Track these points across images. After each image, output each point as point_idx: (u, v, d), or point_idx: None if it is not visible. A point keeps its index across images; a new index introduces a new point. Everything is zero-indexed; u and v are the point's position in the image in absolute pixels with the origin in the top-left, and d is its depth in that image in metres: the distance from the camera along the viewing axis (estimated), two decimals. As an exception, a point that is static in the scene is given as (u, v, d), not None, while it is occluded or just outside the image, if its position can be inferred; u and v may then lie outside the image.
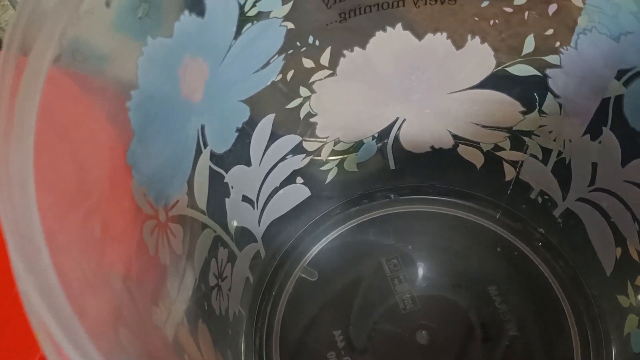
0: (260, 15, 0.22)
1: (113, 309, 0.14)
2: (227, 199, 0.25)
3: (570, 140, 0.26)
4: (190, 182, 0.22)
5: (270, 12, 0.22)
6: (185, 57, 0.20)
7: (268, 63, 0.23)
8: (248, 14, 0.21)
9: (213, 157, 0.23)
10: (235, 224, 0.26)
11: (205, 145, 0.22)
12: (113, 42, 0.19)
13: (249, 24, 0.21)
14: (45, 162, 0.14)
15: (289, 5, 0.22)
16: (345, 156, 0.29)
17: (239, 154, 0.24)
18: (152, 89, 0.19)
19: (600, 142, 0.25)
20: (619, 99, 0.23)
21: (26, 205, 0.12)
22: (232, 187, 0.25)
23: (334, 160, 0.29)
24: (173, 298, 0.20)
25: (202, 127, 0.22)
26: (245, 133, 0.24)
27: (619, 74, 0.22)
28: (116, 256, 0.16)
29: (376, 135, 0.29)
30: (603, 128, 0.24)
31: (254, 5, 0.21)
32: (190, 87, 0.20)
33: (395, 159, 0.30)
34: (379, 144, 0.29)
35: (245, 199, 0.26)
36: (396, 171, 0.31)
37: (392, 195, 0.32)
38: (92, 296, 0.13)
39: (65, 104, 0.18)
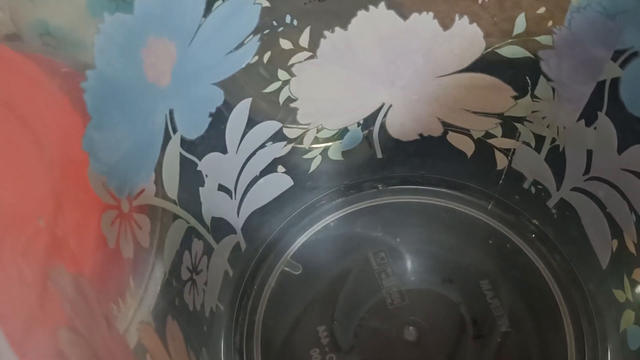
0: (231, -8, 0.20)
1: (54, 311, 0.13)
2: (201, 188, 0.23)
3: (564, 127, 0.25)
4: (158, 170, 0.20)
5: (242, -12, 0.20)
6: (149, 38, 0.18)
7: (242, 44, 0.22)
8: (218, -9, 0.20)
9: (184, 143, 0.22)
10: (211, 214, 0.24)
11: (175, 131, 0.21)
12: (84, 24, 0.18)
13: (220, 2, 0.20)
14: None
15: (263, -19, 0.21)
16: (329, 144, 0.28)
17: (213, 140, 0.23)
18: (111, 71, 0.17)
19: (595, 128, 0.23)
20: (615, 81, 0.21)
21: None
22: (206, 176, 0.23)
23: (317, 148, 0.28)
24: (139, 294, 0.19)
25: (171, 112, 0.20)
26: (219, 118, 0.23)
27: (616, 55, 0.21)
28: (67, 252, 0.14)
29: (361, 122, 0.28)
30: (598, 113, 0.23)
31: (224, -19, 0.20)
32: (156, 69, 0.19)
33: (382, 148, 0.29)
34: (365, 132, 0.28)
35: (221, 188, 0.25)
36: (383, 160, 0.29)
37: (379, 186, 0.31)
38: (24, 295, 0.11)
39: (18, 84, 0.16)
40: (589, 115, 0.23)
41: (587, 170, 0.25)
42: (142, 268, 0.19)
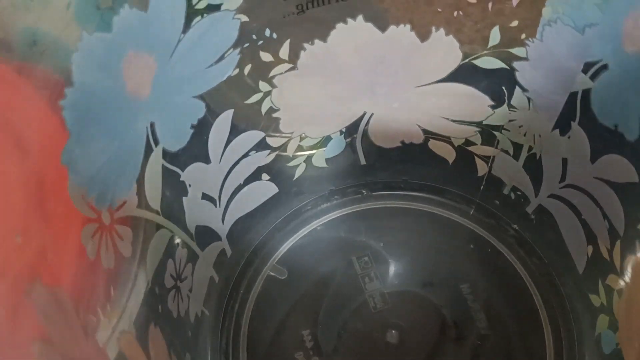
0: (210, 8, 0.21)
1: (30, 325, 0.13)
2: (184, 198, 0.24)
3: (540, 135, 0.25)
4: (140, 182, 0.21)
5: (221, 4, 0.21)
6: (128, 53, 0.19)
7: (222, 57, 0.22)
8: (197, 7, 0.20)
9: (166, 155, 0.22)
10: (195, 222, 0.25)
11: (157, 144, 0.21)
12: (72, 31, 0.18)
13: (199, 17, 0.21)
14: None
15: (242, -3, 0.21)
16: (312, 152, 0.29)
17: (196, 151, 0.24)
18: (90, 86, 0.18)
19: (569, 138, 0.24)
20: (586, 93, 0.22)
21: None
22: (189, 185, 0.24)
23: (301, 156, 0.28)
24: (121, 304, 0.19)
25: (152, 125, 0.21)
26: (201, 130, 0.23)
27: (586, 67, 0.21)
28: (45, 266, 0.15)
29: (344, 130, 0.28)
30: (572, 123, 0.23)
31: (202, -2, 0.20)
32: (135, 83, 0.20)
33: (366, 154, 0.29)
34: (348, 139, 0.29)
35: (205, 197, 0.25)
36: (367, 166, 0.30)
37: (363, 191, 0.31)
38: (10, 319, 0.12)
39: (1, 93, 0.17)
40: (563, 125, 0.24)
41: (563, 177, 0.25)
42: (124, 278, 0.20)
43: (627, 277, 0.22)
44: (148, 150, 0.21)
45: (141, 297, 0.21)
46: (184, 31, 0.20)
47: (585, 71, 0.21)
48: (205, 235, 0.26)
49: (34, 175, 0.17)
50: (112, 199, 0.19)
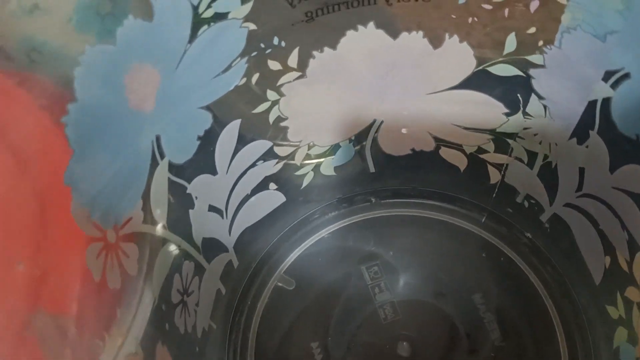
0: (217, 17, 0.20)
1: (34, 357, 0.12)
2: (191, 210, 0.23)
3: (556, 144, 0.24)
4: (145, 197, 0.20)
5: (228, 13, 0.20)
6: (132, 65, 0.18)
7: (230, 67, 0.22)
8: (203, 16, 0.20)
9: (172, 168, 0.21)
10: (201, 235, 0.24)
11: (163, 157, 0.21)
12: (71, 40, 0.17)
13: (205, 26, 0.20)
14: None
15: (249, 5, 0.20)
16: (321, 160, 0.28)
17: (202, 163, 0.23)
18: (93, 101, 0.17)
19: (587, 147, 0.23)
20: (606, 101, 0.21)
21: None
22: (196, 198, 0.23)
23: (309, 164, 0.28)
24: (126, 324, 0.19)
25: (158, 138, 0.20)
26: (208, 141, 0.23)
27: (606, 76, 0.21)
28: (48, 294, 0.14)
29: (353, 138, 0.27)
30: (590, 132, 0.22)
31: (209, 7, 0.19)
32: (138, 96, 0.19)
33: (375, 162, 0.29)
34: (357, 147, 0.28)
35: (212, 209, 0.25)
36: (376, 174, 0.29)
37: (372, 199, 0.31)
38: (10, 350, 0.11)
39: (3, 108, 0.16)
40: (580, 134, 0.23)
41: (580, 187, 0.25)
42: (129, 297, 0.19)
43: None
44: (154, 164, 0.20)
45: (147, 315, 0.20)
46: (190, 41, 0.20)
47: (606, 79, 0.21)
48: (211, 247, 0.25)
49: (35, 196, 0.16)
50: (118, 216, 0.19)
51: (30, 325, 0.13)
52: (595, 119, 0.22)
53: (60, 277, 0.15)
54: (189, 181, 0.23)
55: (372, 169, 0.29)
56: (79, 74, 0.16)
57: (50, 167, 0.17)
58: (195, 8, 0.19)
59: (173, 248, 0.22)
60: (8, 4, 0.16)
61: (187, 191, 0.23)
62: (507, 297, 0.28)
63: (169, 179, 0.21)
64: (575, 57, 0.21)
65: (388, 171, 0.29)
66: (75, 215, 0.17)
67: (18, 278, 0.13)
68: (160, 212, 0.21)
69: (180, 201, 0.23)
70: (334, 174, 0.29)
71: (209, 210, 0.24)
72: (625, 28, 0.19)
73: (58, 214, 0.16)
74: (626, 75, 0.20)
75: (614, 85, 0.21)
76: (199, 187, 0.23)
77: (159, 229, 0.21)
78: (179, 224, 0.23)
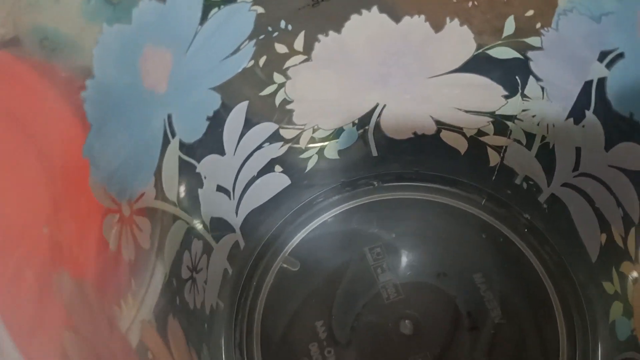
0: (226, 0, 0.21)
1: (57, 314, 0.13)
2: (200, 190, 0.24)
3: (553, 125, 0.25)
4: (158, 174, 0.21)
5: (237, -4, 0.21)
6: (145, 46, 0.19)
7: (238, 49, 0.22)
8: (213, -1, 0.20)
9: (183, 147, 0.22)
10: (210, 214, 0.25)
11: (174, 135, 0.22)
12: (80, 28, 0.18)
13: (216, 9, 0.21)
14: None
15: (257, -12, 0.21)
16: (325, 143, 0.29)
17: (211, 143, 0.24)
18: (109, 80, 0.18)
19: (583, 126, 0.24)
20: (601, 81, 0.22)
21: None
22: (204, 177, 0.24)
23: (313, 147, 0.28)
24: (140, 295, 0.19)
25: (169, 117, 0.21)
26: (217, 121, 0.23)
27: (601, 56, 0.21)
28: (70, 258, 0.15)
29: (356, 121, 0.28)
30: (586, 112, 0.23)
31: (219, -11, 0.20)
32: (153, 77, 0.20)
33: (377, 146, 0.29)
34: (360, 131, 0.29)
35: (220, 189, 0.25)
36: (379, 158, 0.30)
37: (375, 183, 0.31)
38: (29, 300, 0.12)
39: (19, 92, 0.17)
40: (577, 114, 0.24)
41: (576, 166, 0.25)
42: (143, 269, 0.20)
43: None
44: (165, 142, 0.21)
45: (159, 288, 0.21)
46: (201, 23, 0.20)
47: (600, 60, 0.21)
48: (219, 227, 0.26)
49: (56, 169, 0.17)
50: (132, 191, 0.19)
51: (55, 285, 0.14)
52: (591, 99, 0.23)
53: (80, 244, 0.16)
54: (199, 160, 0.23)
55: (374, 153, 0.30)
56: (96, 51, 0.17)
57: (69, 143, 0.17)
58: (205, -9, 0.20)
59: (183, 225, 0.23)
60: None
61: (197, 170, 0.23)
62: (506, 276, 0.29)
63: (179, 157, 0.22)
64: (571, 38, 0.22)
65: (390, 155, 0.30)
66: (93, 187, 0.17)
67: (44, 240, 0.14)
68: (171, 190, 0.22)
69: (190, 180, 0.23)
70: (338, 157, 0.29)
71: (217, 190, 0.25)
72: (620, 9, 0.20)
73: (78, 185, 0.17)
74: (620, 55, 0.21)
75: (608, 65, 0.21)
76: (208, 166, 0.24)
77: (170, 205, 0.22)
78: (189, 202, 0.23)
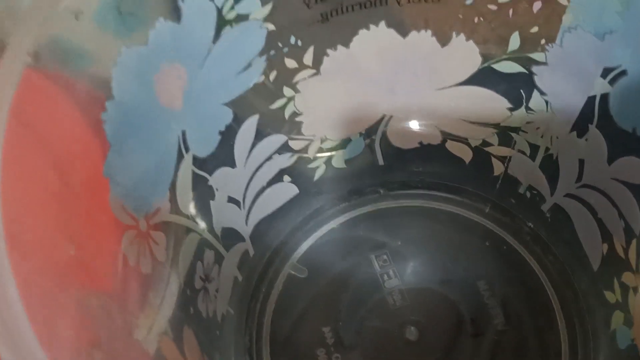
0: (239, 18, 0.21)
1: (88, 334, 0.14)
2: (211, 202, 0.25)
3: (557, 137, 0.26)
4: (172, 189, 0.22)
5: (249, 14, 0.21)
6: (162, 64, 0.20)
7: (249, 65, 0.23)
8: (226, 17, 0.21)
9: (196, 161, 0.23)
10: (221, 225, 0.26)
11: (187, 150, 0.22)
12: (95, 39, 0.18)
13: (228, 27, 0.21)
14: (17, 165, 0.14)
15: (269, 6, 0.22)
16: (332, 153, 0.29)
17: (223, 156, 0.24)
18: (128, 100, 0.18)
19: (586, 140, 0.24)
20: (605, 97, 0.23)
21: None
22: (216, 189, 0.25)
23: (321, 157, 0.29)
24: (156, 307, 0.20)
25: (184, 133, 0.22)
26: (228, 135, 0.24)
27: (605, 72, 0.22)
28: (92, 275, 0.16)
29: (363, 132, 0.29)
30: (589, 126, 0.24)
31: (232, 8, 0.21)
32: (169, 94, 0.20)
33: (384, 155, 0.30)
34: (367, 141, 0.29)
35: (231, 200, 0.26)
36: (385, 167, 0.31)
37: (381, 191, 0.32)
38: (65, 324, 0.13)
39: (42, 107, 0.17)
40: (580, 128, 0.24)
41: (579, 178, 0.26)
42: (159, 281, 0.20)
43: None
44: (180, 158, 0.22)
45: (174, 299, 0.21)
46: (214, 41, 0.21)
47: (604, 76, 0.22)
48: (230, 236, 0.27)
49: (76, 187, 0.17)
50: (149, 207, 0.20)
51: (83, 301, 0.14)
52: (594, 114, 0.23)
53: (103, 261, 0.16)
54: (211, 174, 0.24)
55: (381, 162, 0.30)
56: (115, 73, 0.18)
57: (88, 162, 0.18)
58: (219, 10, 0.20)
59: (196, 237, 0.24)
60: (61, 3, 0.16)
61: (209, 183, 0.24)
62: (509, 283, 0.30)
63: (192, 171, 0.23)
64: (575, 54, 0.22)
65: (396, 164, 0.30)
66: (112, 205, 0.18)
67: (70, 261, 0.14)
68: (185, 203, 0.23)
69: (203, 192, 0.24)
70: (345, 166, 0.30)
71: (228, 202, 0.26)
72: (623, 28, 0.21)
73: (97, 204, 0.17)
74: (623, 72, 0.21)
75: (611, 82, 0.22)
76: (220, 179, 0.24)
77: (184, 218, 0.23)
78: (201, 214, 0.24)
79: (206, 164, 0.23)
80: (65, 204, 0.16)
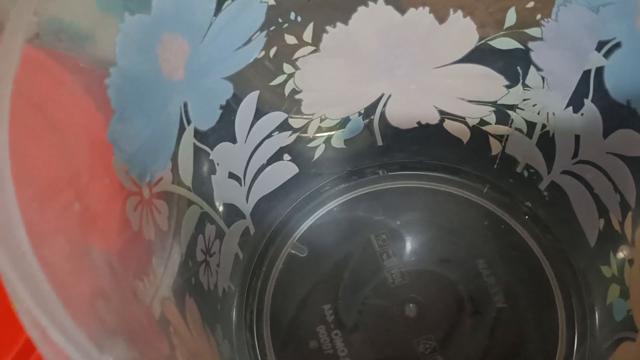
0: (240, -8, 0.22)
1: (95, 287, 0.14)
2: (213, 176, 0.25)
3: (553, 113, 0.26)
4: (174, 159, 0.22)
5: (249, -12, 0.22)
6: (163, 35, 0.20)
7: (250, 40, 0.23)
8: (227, -9, 0.21)
9: (197, 134, 0.23)
10: (222, 200, 0.26)
11: (189, 122, 0.22)
12: (95, 20, 0.19)
13: (229, 1, 0.22)
14: (23, 140, 0.15)
15: (269, -19, 0.22)
16: (332, 133, 0.30)
17: (224, 131, 0.25)
18: (130, 67, 0.19)
19: (582, 115, 0.25)
20: (599, 70, 0.23)
21: (3, 192, 0.12)
22: (217, 164, 0.25)
23: (321, 137, 0.29)
24: (160, 273, 0.20)
25: (185, 105, 0.22)
26: (229, 110, 0.24)
27: (599, 45, 0.22)
28: (98, 233, 0.16)
29: (362, 111, 0.29)
30: (585, 100, 0.24)
31: (233, -18, 0.21)
32: (170, 65, 0.21)
33: (383, 135, 0.30)
34: (366, 121, 0.30)
35: (232, 175, 0.26)
36: (384, 147, 0.31)
37: (380, 172, 0.32)
38: (75, 276, 0.13)
39: (43, 82, 0.18)
40: (576, 103, 0.25)
41: (576, 154, 0.26)
42: (161, 249, 0.21)
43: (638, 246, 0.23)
44: (181, 129, 0.22)
45: (176, 268, 0.22)
46: (215, 14, 0.21)
47: (598, 49, 0.22)
48: (231, 212, 0.27)
49: (80, 151, 0.18)
50: (151, 175, 0.20)
51: (88, 255, 0.14)
52: (589, 88, 0.24)
53: (107, 223, 0.17)
54: (212, 148, 0.24)
55: (380, 142, 0.31)
56: (119, 40, 0.18)
57: (92, 132, 0.18)
58: (220, -17, 0.21)
59: (197, 210, 0.24)
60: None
61: (210, 157, 0.24)
62: (508, 262, 0.30)
63: (194, 144, 0.23)
64: (570, 29, 0.23)
65: (395, 144, 0.31)
66: (116, 169, 0.18)
67: (75, 215, 0.15)
68: (186, 175, 0.23)
69: (204, 166, 0.24)
70: (344, 146, 0.30)
71: (229, 177, 0.26)
72: (617, 0, 0.21)
73: (102, 168, 0.18)
74: (617, 45, 0.22)
75: (606, 55, 0.22)
76: (221, 154, 0.25)
77: (185, 190, 0.23)
78: (203, 188, 0.24)
79: (207, 138, 0.24)
80: (68, 162, 0.16)
